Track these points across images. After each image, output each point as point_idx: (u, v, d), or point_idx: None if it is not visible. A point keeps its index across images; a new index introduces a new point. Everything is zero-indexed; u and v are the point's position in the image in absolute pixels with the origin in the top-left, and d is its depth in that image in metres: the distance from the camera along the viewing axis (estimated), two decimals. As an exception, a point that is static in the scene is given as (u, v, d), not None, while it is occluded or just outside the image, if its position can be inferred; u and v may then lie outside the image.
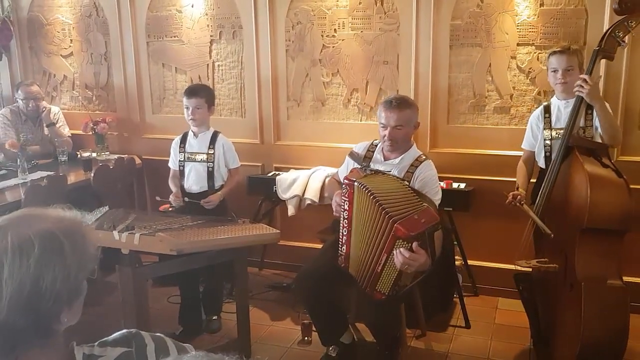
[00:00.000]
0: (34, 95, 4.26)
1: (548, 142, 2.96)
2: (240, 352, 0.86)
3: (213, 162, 3.35)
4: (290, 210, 3.64)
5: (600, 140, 2.78)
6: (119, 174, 3.83)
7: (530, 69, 3.47)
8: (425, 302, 3.22)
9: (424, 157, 2.82)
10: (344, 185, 2.60)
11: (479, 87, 3.59)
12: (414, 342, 3.23)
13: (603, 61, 2.96)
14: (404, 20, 3.63)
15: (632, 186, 2.49)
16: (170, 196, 3.34)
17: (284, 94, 4.01)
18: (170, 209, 3.35)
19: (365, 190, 2.44)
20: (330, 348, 2.91)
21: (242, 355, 0.84)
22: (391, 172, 2.72)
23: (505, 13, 3.45)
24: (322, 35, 3.84)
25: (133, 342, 1.11)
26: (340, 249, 2.65)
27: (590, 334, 2.35)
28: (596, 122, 2.80)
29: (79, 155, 4.29)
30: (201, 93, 3.33)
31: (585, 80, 2.65)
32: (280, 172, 3.92)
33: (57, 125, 4.34)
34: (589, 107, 2.78)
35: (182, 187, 3.39)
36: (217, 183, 3.39)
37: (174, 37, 4.23)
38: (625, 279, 2.48)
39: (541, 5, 3.38)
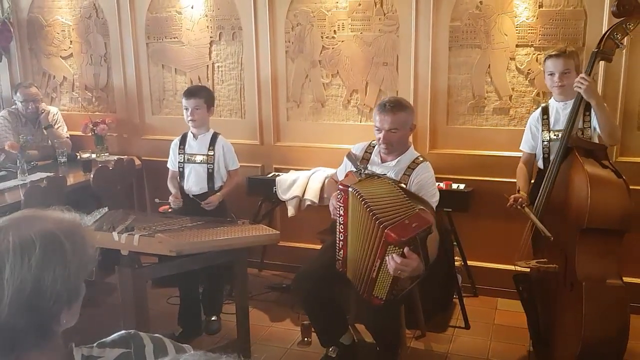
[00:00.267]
0: (33, 97, 4.25)
1: (546, 143, 2.97)
2: (240, 352, 0.86)
3: (213, 164, 3.35)
4: (290, 211, 3.64)
5: (598, 141, 2.79)
6: (118, 175, 3.82)
7: (529, 70, 3.47)
8: (424, 302, 3.22)
9: (421, 159, 2.81)
10: (339, 191, 2.59)
11: (478, 88, 3.59)
12: (414, 343, 3.23)
13: (602, 63, 2.97)
14: (404, 22, 3.63)
15: (631, 187, 2.50)
16: (170, 197, 3.34)
17: (283, 95, 4.01)
18: (169, 210, 3.36)
19: (358, 197, 2.42)
20: (330, 349, 2.90)
21: (240, 355, 0.84)
22: (388, 175, 2.70)
23: (505, 14, 3.46)
24: (321, 37, 3.85)
25: (132, 343, 1.11)
26: (337, 253, 2.64)
27: (590, 334, 2.35)
28: (594, 123, 2.81)
29: (78, 157, 4.29)
30: (200, 94, 3.33)
31: (583, 77, 2.67)
32: (280, 173, 3.92)
33: (56, 127, 4.34)
34: (587, 109, 2.79)
35: (181, 189, 3.39)
36: (217, 184, 3.39)
37: (174, 38, 4.23)
38: (625, 279, 2.49)
39: (540, 6, 3.38)
